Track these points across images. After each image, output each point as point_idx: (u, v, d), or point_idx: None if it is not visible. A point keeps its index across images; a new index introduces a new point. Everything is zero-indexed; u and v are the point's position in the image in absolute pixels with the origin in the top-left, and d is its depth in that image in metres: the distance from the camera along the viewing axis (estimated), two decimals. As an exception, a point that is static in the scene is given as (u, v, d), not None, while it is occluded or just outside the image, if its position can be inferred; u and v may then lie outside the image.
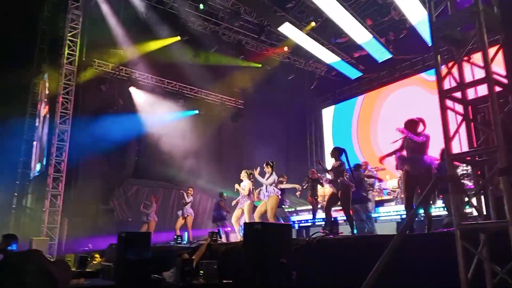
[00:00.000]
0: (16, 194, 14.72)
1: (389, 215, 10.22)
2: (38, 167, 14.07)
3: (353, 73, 15.68)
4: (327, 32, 14.09)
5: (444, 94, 3.36)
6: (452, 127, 3.39)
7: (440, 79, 3.42)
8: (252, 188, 8.83)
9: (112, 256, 7.30)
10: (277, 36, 14.81)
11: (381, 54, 14.25)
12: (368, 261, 3.55)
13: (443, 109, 3.32)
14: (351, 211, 6.76)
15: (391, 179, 11.93)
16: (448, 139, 3.27)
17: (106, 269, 6.65)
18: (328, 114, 17.59)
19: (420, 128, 5.65)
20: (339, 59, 15.03)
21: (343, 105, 16.92)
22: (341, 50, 14.86)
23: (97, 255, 8.77)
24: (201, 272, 5.82)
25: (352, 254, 4.41)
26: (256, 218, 8.35)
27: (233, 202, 9.25)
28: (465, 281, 3.00)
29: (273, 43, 15.23)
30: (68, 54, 12.52)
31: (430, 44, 11.68)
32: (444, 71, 3.55)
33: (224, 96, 16.12)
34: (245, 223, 4.06)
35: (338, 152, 6.99)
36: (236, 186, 8.94)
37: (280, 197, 8.47)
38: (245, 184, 8.77)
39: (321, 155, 16.80)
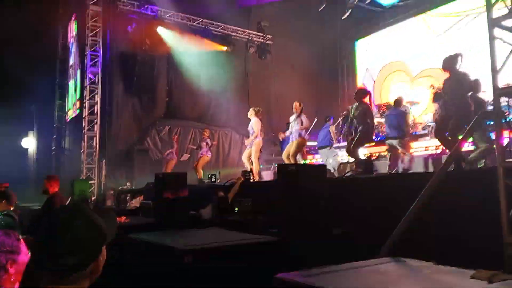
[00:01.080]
0: (54, 137, 15.31)
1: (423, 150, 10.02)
2: (74, 110, 14.44)
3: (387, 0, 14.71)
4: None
5: (493, 23, 3.08)
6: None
7: (489, 6, 3.12)
8: (261, 126, 8.68)
9: (150, 195, 7.60)
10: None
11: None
12: (403, 200, 3.52)
13: (492, 39, 3.06)
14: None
15: (425, 113, 11.59)
16: (495, 72, 3.04)
17: (146, 207, 6.94)
18: (362, 45, 16.79)
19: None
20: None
21: (377, 35, 16.06)
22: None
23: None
24: (236, 209, 6.00)
25: (386, 193, 4.38)
26: (284, 158, 8.26)
27: (246, 142, 9.12)
28: (506, 221, 2.92)
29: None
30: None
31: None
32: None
33: (251, 31, 15.63)
34: (278, 164, 4.06)
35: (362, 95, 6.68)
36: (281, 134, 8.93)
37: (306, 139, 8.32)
38: (253, 122, 8.60)
39: (353, 89, 16.33)
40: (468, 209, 3.38)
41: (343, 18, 15.42)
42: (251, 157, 8.57)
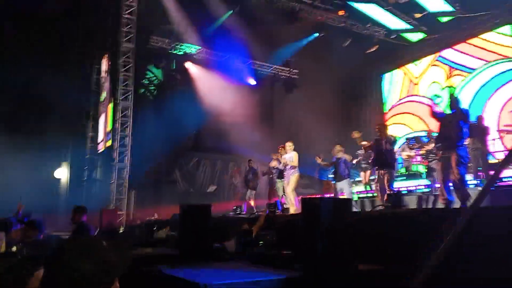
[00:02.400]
0: (86, 167, 15.74)
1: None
2: (105, 142, 14.88)
3: (415, 35, 14.76)
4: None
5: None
6: None
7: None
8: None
9: (176, 226, 7.63)
10: (331, 0, 14.23)
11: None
12: (433, 236, 3.40)
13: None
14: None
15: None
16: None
17: (171, 238, 6.97)
18: (387, 80, 16.81)
19: None
20: (400, 20, 14.16)
21: (405, 69, 16.06)
22: (402, 11, 13.96)
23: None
24: (261, 242, 5.93)
25: (415, 228, 4.25)
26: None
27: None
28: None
29: (328, 7, 14.64)
30: (126, 31, 12.89)
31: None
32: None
33: (278, 66, 15.92)
34: (303, 197, 4.03)
35: None
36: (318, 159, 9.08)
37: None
38: (292, 156, 8.73)
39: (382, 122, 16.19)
40: (501, 247, 3.23)
41: (367, 52, 15.58)
42: (287, 189, 8.66)
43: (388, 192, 6.69)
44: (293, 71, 16.13)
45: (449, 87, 13.43)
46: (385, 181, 7.12)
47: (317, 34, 14.88)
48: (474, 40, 13.45)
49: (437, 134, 6.50)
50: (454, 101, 6.14)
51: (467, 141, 6.52)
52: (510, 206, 3.67)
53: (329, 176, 10.88)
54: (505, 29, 12.54)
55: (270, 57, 15.45)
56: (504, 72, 12.36)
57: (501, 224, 3.48)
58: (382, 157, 7.33)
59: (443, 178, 5.73)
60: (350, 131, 8.58)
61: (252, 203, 10.77)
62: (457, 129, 5.78)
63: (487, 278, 3.30)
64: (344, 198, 5.53)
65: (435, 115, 6.41)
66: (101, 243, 1.28)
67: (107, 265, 1.23)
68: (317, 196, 8.63)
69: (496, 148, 10.93)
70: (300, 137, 15.08)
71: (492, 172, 8.68)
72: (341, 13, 14.56)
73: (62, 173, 14.83)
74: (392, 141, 7.51)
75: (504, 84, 12.31)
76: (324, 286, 3.46)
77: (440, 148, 6.02)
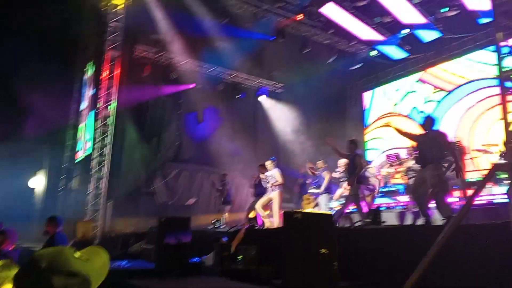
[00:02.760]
0: (62, 177, 15.33)
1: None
2: (83, 151, 14.56)
3: (398, 54, 15.01)
4: (371, 11, 13.47)
5: (505, 75, 3.04)
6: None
7: (500, 58, 3.10)
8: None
9: (153, 239, 7.44)
10: (318, 16, 14.38)
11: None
12: (412, 252, 3.34)
13: (503, 90, 3.01)
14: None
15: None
16: (508, 124, 2.97)
17: (147, 252, 6.78)
18: (370, 96, 17.01)
19: None
20: (383, 39, 14.40)
21: (387, 87, 16.30)
22: (386, 30, 14.20)
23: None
24: (240, 257, 5.79)
25: (394, 245, 4.20)
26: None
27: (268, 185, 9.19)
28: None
29: (315, 24, 14.79)
30: (111, 40, 12.75)
31: (482, 23, 10.98)
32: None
33: (263, 80, 15.94)
34: (285, 212, 3.94)
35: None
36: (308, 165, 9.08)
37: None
38: (274, 173, 8.67)
39: (362, 139, 16.32)
40: (482, 263, 3.19)
41: (352, 68, 15.80)
42: (274, 206, 8.53)
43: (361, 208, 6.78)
44: (278, 84, 16.17)
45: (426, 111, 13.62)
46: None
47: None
48: (454, 61, 13.77)
49: (416, 152, 6.55)
50: (429, 122, 6.21)
51: (444, 161, 6.58)
52: (490, 224, 3.65)
53: (308, 190, 10.84)
54: (484, 52, 12.86)
55: (255, 70, 15.45)
56: (475, 91, 12.72)
57: (480, 241, 3.45)
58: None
59: (419, 196, 5.74)
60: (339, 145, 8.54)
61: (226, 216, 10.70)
62: (434, 148, 5.84)
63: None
64: (326, 213, 5.47)
65: (411, 136, 6.56)
66: (73, 255, 1.17)
67: (80, 278, 1.12)
68: (298, 210, 8.53)
69: (471, 168, 11.10)
70: (282, 150, 15.09)
71: (469, 191, 8.78)
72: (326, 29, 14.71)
73: (38, 182, 14.39)
74: (358, 160, 7.55)
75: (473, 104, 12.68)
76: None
77: (418, 167, 6.06)
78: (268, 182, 8.79)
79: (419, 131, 6.50)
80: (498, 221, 3.84)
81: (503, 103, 3.04)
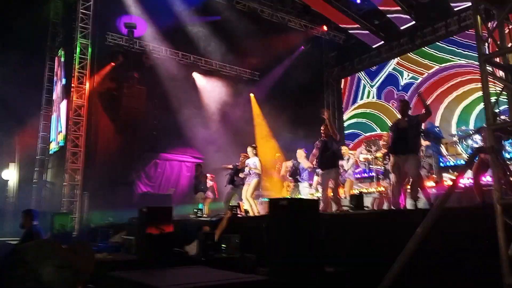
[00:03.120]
0: (36, 169, 14.93)
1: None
2: (56, 142, 14.18)
3: (373, 41, 15.15)
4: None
5: (484, 59, 3.10)
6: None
7: (480, 42, 3.15)
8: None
9: (133, 230, 7.33)
10: (293, 3, 14.35)
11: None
12: (397, 236, 3.41)
13: (484, 74, 3.06)
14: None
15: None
16: (488, 107, 3.03)
17: (127, 243, 6.67)
18: (346, 83, 17.15)
19: None
20: (359, 26, 14.50)
21: (362, 74, 16.46)
22: (361, 17, 14.30)
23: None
24: (223, 246, 5.78)
25: (378, 229, 4.27)
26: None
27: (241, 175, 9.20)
28: (506, 258, 2.83)
29: (290, 10, 14.75)
30: (81, 27, 12.38)
31: (456, 8, 11.13)
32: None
33: (239, 68, 15.81)
34: (270, 199, 3.95)
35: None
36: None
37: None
38: (256, 161, 8.66)
39: (341, 127, 16.49)
40: (466, 246, 3.28)
41: (327, 56, 15.89)
42: (247, 193, 8.52)
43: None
44: (255, 72, 16.08)
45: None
46: (331, 182, 7.13)
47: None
48: (428, 48, 14.00)
49: (392, 139, 6.57)
50: (405, 107, 6.31)
51: (421, 146, 6.71)
52: (473, 206, 3.75)
53: (288, 177, 10.91)
54: (457, 38, 13.12)
55: (231, 59, 15.28)
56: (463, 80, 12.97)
57: (463, 224, 3.55)
58: (328, 158, 7.30)
59: (397, 181, 5.83)
60: (309, 135, 8.60)
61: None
62: (411, 133, 5.93)
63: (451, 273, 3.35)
64: (312, 199, 5.51)
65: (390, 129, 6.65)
66: (60, 246, 1.12)
67: (69, 270, 1.07)
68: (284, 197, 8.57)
69: (449, 153, 11.40)
70: (261, 139, 15.08)
71: (446, 176, 9.02)
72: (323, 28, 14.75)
73: (10, 175, 13.95)
74: (336, 141, 7.52)
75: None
76: (290, 289, 3.38)
77: (395, 152, 6.11)
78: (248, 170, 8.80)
79: (395, 118, 6.58)
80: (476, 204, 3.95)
81: (484, 87, 3.10)
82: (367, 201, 7.50)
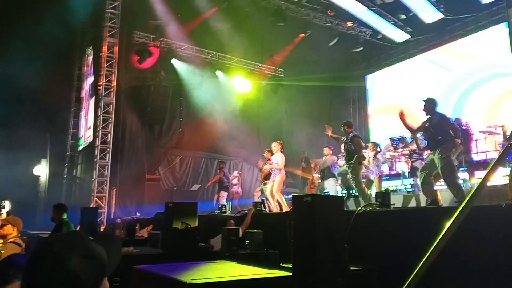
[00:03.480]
0: (66, 165, 15.36)
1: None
2: (85, 139, 14.54)
3: (400, 36, 14.83)
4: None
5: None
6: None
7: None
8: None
9: (159, 225, 7.47)
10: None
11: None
12: (422, 235, 3.34)
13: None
14: None
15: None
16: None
17: (154, 238, 6.79)
18: (373, 80, 16.87)
19: None
20: (385, 21, 14.23)
21: (390, 70, 16.15)
22: (387, 12, 14.03)
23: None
24: (247, 241, 5.81)
25: (404, 227, 4.21)
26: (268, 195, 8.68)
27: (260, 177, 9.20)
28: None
29: (315, 7, 14.60)
30: (110, 26, 12.63)
31: (485, 2, 10.80)
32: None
33: (263, 65, 15.80)
34: (294, 195, 3.94)
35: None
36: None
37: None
38: (278, 157, 8.61)
39: (366, 123, 16.27)
40: (496, 247, 3.19)
41: (353, 51, 15.65)
42: (273, 190, 8.51)
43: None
44: (279, 69, 16.05)
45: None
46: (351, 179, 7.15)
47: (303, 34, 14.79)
48: (457, 43, 13.62)
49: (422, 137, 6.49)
50: (430, 105, 6.15)
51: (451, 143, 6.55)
52: (498, 205, 3.64)
53: (314, 175, 10.84)
54: (488, 32, 12.71)
55: (256, 56, 15.30)
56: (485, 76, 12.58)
57: (492, 222, 3.45)
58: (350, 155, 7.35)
59: (426, 177, 5.74)
60: (335, 131, 8.45)
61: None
62: (440, 131, 5.81)
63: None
64: (337, 196, 5.47)
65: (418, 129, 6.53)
66: (87, 237, 1.15)
67: (96, 261, 1.10)
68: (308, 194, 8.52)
69: (478, 149, 11.07)
70: (286, 136, 15.05)
71: (477, 172, 8.78)
72: (329, 12, 14.52)
73: (42, 170, 14.42)
74: (356, 141, 7.45)
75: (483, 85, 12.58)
76: (314, 286, 3.37)
77: (427, 149, 6.05)
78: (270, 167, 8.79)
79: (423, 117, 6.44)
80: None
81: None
82: (394, 199, 7.38)
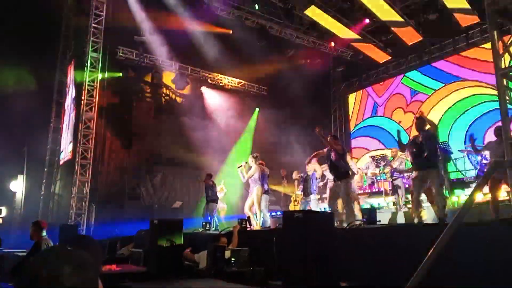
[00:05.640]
0: (44, 181, 14.97)
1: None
2: (65, 154, 14.25)
3: (381, 57, 15.20)
4: (355, 15, 13.64)
5: (501, 73, 3.11)
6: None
7: (497, 56, 3.16)
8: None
9: (141, 242, 7.31)
10: (301, 19, 14.48)
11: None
12: (410, 251, 3.37)
13: (501, 89, 3.07)
14: None
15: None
16: (506, 120, 3.03)
17: (135, 255, 6.65)
18: (353, 99, 17.19)
19: None
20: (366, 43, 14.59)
21: (371, 89, 16.51)
22: (369, 33, 14.40)
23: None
24: (233, 259, 5.75)
25: (390, 244, 4.23)
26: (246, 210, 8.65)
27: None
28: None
29: (298, 26, 14.87)
30: (92, 41, 12.54)
31: (464, 25, 11.19)
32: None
33: (247, 82, 15.92)
34: (284, 212, 3.93)
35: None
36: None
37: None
38: (254, 170, 8.56)
39: (348, 142, 16.47)
40: (484, 264, 3.24)
41: (335, 71, 15.95)
42: (253, 206, 8.41)
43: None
44: (262, 87, 16.20)
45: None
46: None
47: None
48: (438, 63, 14.06)
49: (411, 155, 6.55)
50: (421, 124, 6.26)
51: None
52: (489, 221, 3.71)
53: (297, 192, 10.83)
54: (466, 53, 13.21)
55: (239, 73, 15.43)
56: (470, 96, 12.94)
57: (481, 238, 3.51)
58: (335, 168, 7.26)
59: (417, 196, 5.81)
60: (317, 149, 8.44)
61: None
62: (429, 149, 5.92)
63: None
64: (327, 212, 5.47)
65: (400, 144, 6.63)
66: (67, 248, 1.13)
67: (85, 267, 1.07)
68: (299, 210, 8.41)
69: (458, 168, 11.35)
70: (270, 153, 15.05)
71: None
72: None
73: (18, 186, 13.99)
74: (341, 153, 7.40)
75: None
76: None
77: (415, 168, 6.12)
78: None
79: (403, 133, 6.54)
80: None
81: (501, 101, 3.10)
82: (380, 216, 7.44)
